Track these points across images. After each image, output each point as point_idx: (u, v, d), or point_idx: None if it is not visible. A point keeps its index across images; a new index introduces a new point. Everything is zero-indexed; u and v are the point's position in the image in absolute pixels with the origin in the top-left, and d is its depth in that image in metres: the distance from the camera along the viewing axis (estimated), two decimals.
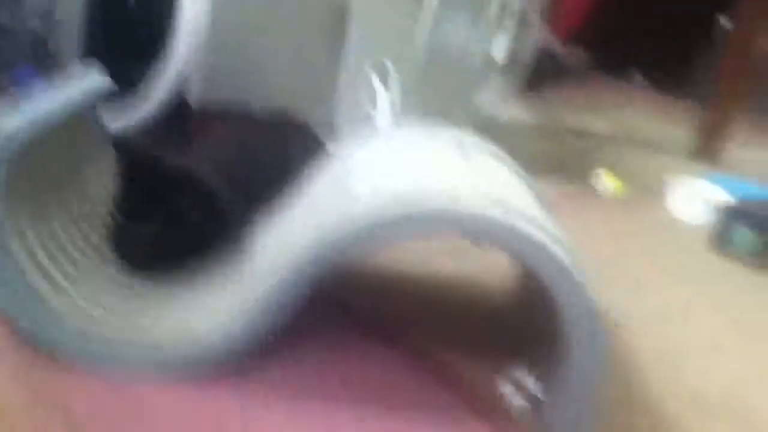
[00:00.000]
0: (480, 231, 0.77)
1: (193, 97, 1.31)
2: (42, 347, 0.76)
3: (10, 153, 0.75)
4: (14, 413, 0.69)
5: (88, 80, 0.98)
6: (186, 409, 0.73)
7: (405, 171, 0.87)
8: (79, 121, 0.94)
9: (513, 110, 2.05)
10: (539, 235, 0.73)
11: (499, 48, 1.56)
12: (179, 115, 1.37)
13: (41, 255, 0.79)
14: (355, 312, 0.95)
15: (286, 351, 0.83)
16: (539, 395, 0.81)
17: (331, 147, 1.26)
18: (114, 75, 1.07)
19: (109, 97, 1.06)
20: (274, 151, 1.10)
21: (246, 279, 0.82)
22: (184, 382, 0.76)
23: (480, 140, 0.98)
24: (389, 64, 1.33)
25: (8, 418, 0.69)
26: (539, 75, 1.98)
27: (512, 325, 0.96)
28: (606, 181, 1.59)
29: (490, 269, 1.08)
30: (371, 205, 0.76)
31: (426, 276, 1.09)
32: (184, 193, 0.86)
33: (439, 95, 1.50)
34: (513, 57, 1.60)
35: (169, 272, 0.88)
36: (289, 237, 0.81)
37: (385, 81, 1.31)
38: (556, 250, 0.73)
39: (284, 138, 1.15)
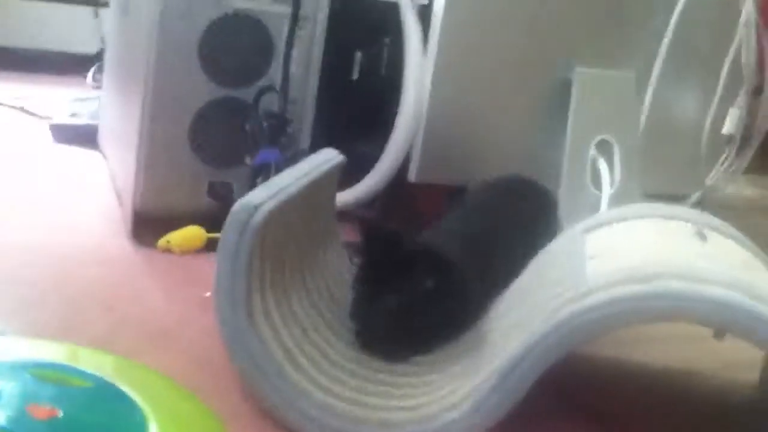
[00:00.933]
0: (719, 316, 0.72)
1: (413, 174, 1.35)
2: (282, 420, 0.79)
3: (257, 223, 0.80)
4: None
5: (324, 157, 1.03)
6: None
7: (637, 250, 0.83)
8: (316, 196, 0.99)
9: (746, 190, 1.94)
10: None
11: (730, 122, 1.49)
12: (399, 191, 1.41)
13: (281, 327, 0.82)
14: (577, 403, 0.91)
15: None
16: None
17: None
18: (341, 150, 1.13)
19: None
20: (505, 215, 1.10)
21: (478, 360, 0.80)
22: None
23: (717, 221, 0.92)
24: (612, 141, 1.30)
25: None
26: None
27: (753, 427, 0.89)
28: None
29: (726, 361, 1.00)
30: (604, 285, 0.74)
31: (653, 368, 1.03)
32: (424, 269, 0.87)
33: (664, 173, 1.45)
34: (745, 132, 1.52)
35: (404, 349, 0.89)
36: (521, 320, 0.79)
37: (608, 158, 1.28)
38: None
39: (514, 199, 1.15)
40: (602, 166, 1.27)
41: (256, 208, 0.80)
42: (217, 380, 0.86)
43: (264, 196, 0.83)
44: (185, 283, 1.15)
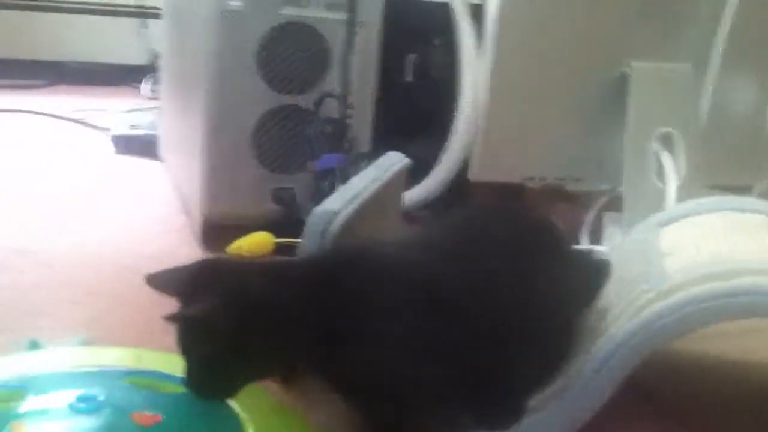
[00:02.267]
0: None
1: (473, 173, 1.35)
2: None
3: (335, 230, 0.82)
4: None
5: (391, 160, 1.05)
6: None
7: (714, 245, 0.83)
8: (386, 199, 1.00)
9: None
10: None
11: None
12: (459, 191, 1.41)
13: None
14: (660, 401, 0.91)
15: None
16: None
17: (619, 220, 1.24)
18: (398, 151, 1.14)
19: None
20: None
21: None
22: None
23: None
24: (674, 133, 1.29)
25: None
26: None
27: None
28: None
29: None
30: (684, 283, 0.74)
31: (734, 364, 1.03)
32: None
33: (726, 164, 1.43)
34: None
35: None
36: (604, 317, 0.79)
37: (670, 150, 1.27)
38: None
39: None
40: (666, 158, 1.26)
41: (335, 214, 0.82)
42: None
43: (341, 202, 0.85)
44: None
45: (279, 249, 1.30)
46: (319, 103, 1.30)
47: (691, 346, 0.99)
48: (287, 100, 1.31)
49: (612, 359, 0.71)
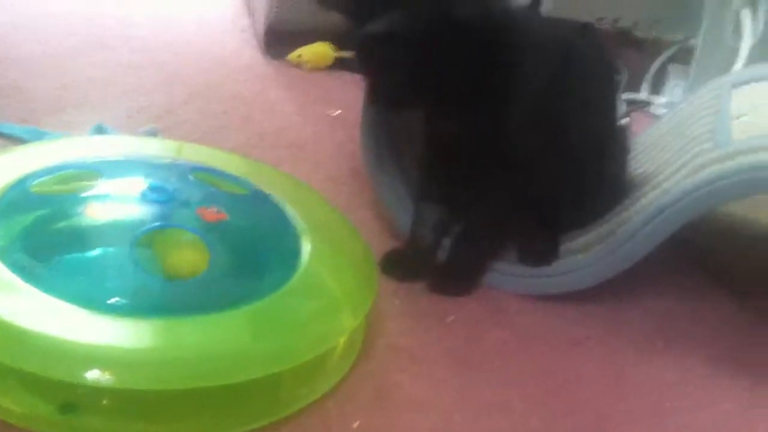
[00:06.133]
0: None
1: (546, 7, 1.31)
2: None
3: None
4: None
5: None
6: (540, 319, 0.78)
7: None
8: None
9: None
10: None
11: None
12: None
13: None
14: (706, 262, 0.92)
15: (638, 289, 0.83)
16: None
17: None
18: None
19: None
20: None
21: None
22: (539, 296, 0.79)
23: None
24: None
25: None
26: None
27: None
28: None
29: None
30: (750, 148, 0.73)
31: None
32: None
33: None
34: None
35: None
36: (660, 171, 0.79)
37: (752, 8, 1.22)
38: None
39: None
40: (745, 15, 1.21)
41: None
42: (351, 197, 0.91)
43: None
44: (315, 100, 1.19)
45: (338, 62, 1.30)
46: None
47: (743, 210, 1.00)
48: None
49: (664, 213, 0.72)
